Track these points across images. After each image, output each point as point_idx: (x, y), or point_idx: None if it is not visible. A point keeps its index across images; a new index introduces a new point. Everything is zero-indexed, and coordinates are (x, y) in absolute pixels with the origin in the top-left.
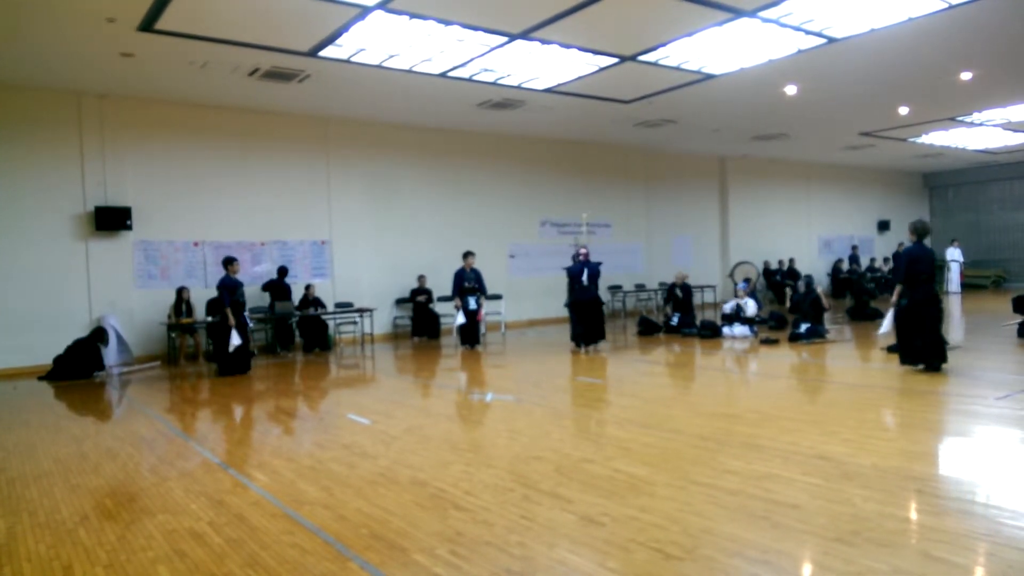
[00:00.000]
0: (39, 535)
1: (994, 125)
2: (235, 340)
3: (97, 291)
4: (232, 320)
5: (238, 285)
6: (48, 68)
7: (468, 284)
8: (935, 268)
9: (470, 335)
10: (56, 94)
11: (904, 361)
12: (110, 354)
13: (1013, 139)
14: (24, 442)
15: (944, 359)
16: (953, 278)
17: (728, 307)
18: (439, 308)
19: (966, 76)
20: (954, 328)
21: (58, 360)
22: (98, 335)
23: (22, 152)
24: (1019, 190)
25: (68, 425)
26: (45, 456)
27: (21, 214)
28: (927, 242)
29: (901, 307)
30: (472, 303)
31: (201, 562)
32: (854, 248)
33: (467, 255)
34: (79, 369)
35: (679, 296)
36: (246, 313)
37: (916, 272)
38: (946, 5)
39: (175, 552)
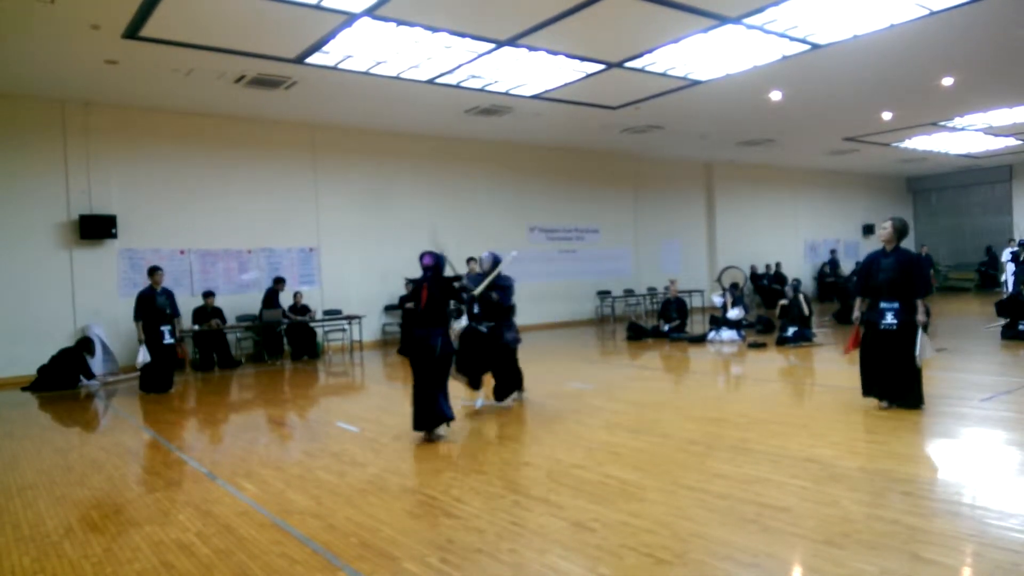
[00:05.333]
0: (23, 548)
1: (976, 130)
2: (142, 357)
3: (82, 300)
4: (141, 335)
5: (155, 296)
6: (32, 75)
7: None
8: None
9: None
10: (40, 101)
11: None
12: (95, 364)
13: (994, 143)
14: (7, 453)
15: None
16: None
17: (718, 301)
18: None
19: (948, 82)
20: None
21: (42, 370)
22: (84, 345)
23: (5, 160)
24: (1000, 194)
25: (52, 436)
26: (29, 468)
27: (3, 223)
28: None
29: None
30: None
31: (188, 574)
32: (832, 252)
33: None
34: (64, 379)
35: (675, 317)
36: (166, 328)
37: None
38: (927, 12)
39: (162, 564)
